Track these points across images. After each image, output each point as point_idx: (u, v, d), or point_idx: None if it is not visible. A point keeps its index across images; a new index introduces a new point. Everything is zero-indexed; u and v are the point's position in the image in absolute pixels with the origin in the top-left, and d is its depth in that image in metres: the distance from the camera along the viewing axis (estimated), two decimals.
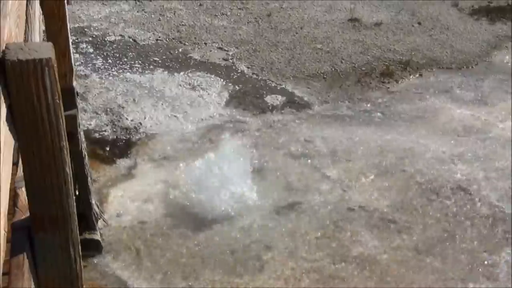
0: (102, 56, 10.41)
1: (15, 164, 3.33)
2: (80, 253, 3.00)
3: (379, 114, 9.15)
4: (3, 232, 2.31)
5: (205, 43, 10.94)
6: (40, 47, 2.52)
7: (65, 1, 5.69)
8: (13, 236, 2.85)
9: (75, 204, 2.90)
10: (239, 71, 10.15)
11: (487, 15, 12.25)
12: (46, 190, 2.70)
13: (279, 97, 9.49)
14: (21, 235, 2.81)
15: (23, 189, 2.88)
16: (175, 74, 9.97)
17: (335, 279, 6.44)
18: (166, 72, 10.02)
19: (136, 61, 10.29)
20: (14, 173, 3.32)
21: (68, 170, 2.71)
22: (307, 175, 7.82)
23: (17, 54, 2.44)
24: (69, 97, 5.72)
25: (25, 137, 2.57)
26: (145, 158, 8.05)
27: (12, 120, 2.53)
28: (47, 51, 2.50)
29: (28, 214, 2.86)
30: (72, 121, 5.73)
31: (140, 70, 10.04)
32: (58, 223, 2.79)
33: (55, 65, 2.51)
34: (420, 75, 10.28)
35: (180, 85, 9.66)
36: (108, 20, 11.58)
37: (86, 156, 6.56)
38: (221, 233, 6.91)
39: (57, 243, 2.83)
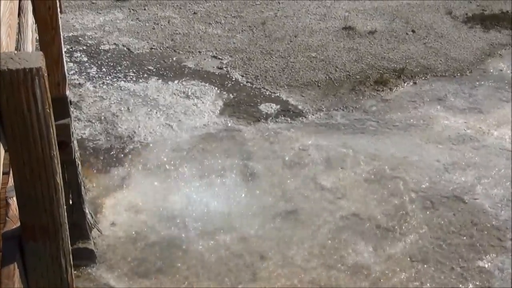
0: (96, 65, 10.42)
1: (6, 173, 3.33)
2: (72, 263, 2.99)
3: (373, 122, 9.17)
4: None
5: (199, 52, 10.96)
6: (31, 56, 2.52)
7: (59, 10, 5.70)
8: (3, 245, 2.84)
9: (67, 213, 2.89)
10: (233, 79, 10.17)
11: (481, 23, 12.31)
12: (37, 199, 2.69)
13: (274, 105, 9.50)
14: (12, 245, 2.80)
15: (14, 198, 2.88)
16: (169, 82, 9.98)
17: None
18: (160, 80, 10.03)
19: (130, 70, 10.30)
20: (5, 183, 3.32)
21: (59, 179, 2.70)
22: (301, 183, 7.82)
23: (7, 63, 2.45)
24: (62, 106, 5.73)
25: (15, 147, 2.57)
26: (139, 167, 8.05)
27: (2, 129, 2.53)
28: (38, 60, 2.50)
29: (19, 223, 2.86)
30: (65, 130, 5.73)
31: (134, 78, 10.05)
32: (49, 232, 2.79)
33: (46, 74, 2.51)
34: (414, 83, 10.31)
35: (174, 94, 9.66)
36: (103, 29, 11.59)
37: (80, 165, 6.55)
38: (215, 243, 6.90)
39: (48, 252, 2.82)
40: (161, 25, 11.77)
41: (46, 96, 2.52)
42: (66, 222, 2.89)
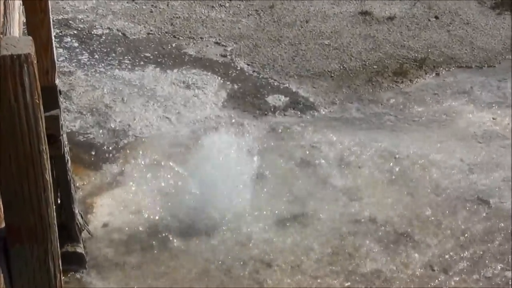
0: (88, 51, 10.42)
1: None
2: (61, 267, 3.00)
3: (391, 117, 9.16)
4: None
5: (201, 38, 10.95)
6: (19, 41, 2.52)
7: None
8: None
9: (55, 213, 2.90)
10: (238, 68, 10.16)
11: (510, 9, 12.26)
12: (24, 198, 2.70)
13: (282, 97, 9.50)
14: None
15: None
16: (168, 71, 9.97)
17: None
18: (158, 69, 10.02)
19: (126, 57, 10.30)
20: None
21: (48, 176, 2.71)
22: (312, 183, 7.82)
23: None
24: (51, 96, 5.73)
25: (1, 140, 2.57)
26: (134, 164, 8.05)
27: None
28: (26, 46, 2.51)
29: (3, 224, 2.86)
30: (54, 123, 5.73)
31: (129, 66, 10.04)
32: (36, 234, 2.79)
33: (35, 61, 2.52)
34: (437, 74, 10.29)
35: (173, 84, 9.66)
36: (95, 11, 11.59)
37: (69, 161, 6.56)
38: (217, 248, 6.90)
39: (35, 256, 2.83)
40: (160, 8, 11.77)
41: (35, 85, 2.52)
42: (55, 223, 2.89)
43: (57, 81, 5.94)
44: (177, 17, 11.51)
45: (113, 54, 10.36)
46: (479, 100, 9.63)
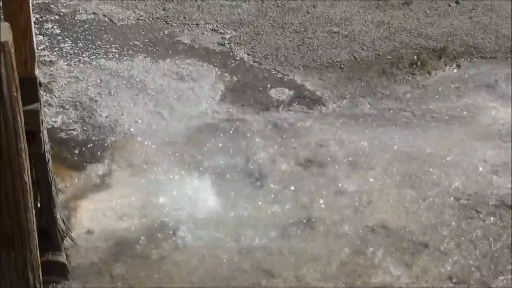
0: (71, 38, 10.42)
1: None
2: (41, 278, 3.01)
3: (407, 113, 9.17)
4: None
5: (197, 24, 10.96)
6: None
7: None
8: None
9: (35, 219, 2.90)
10: (237, 58, 10.17)
11: None
12: (0, 202, 2.70)
13: (286, 90, 9.50)
14: None
15: None
16: (160, 61, 9.98)
17: None
18: (149, 58, 10.03)
19: (113, 45, 10.30)
20: None
21: (27, 177, 2.72)
22: (319, 186, 7.82)
23: None
24: (30, 88, 5.72)
25: None
26: (122, 164, 8.06)
27: None
28: (3, 33, 2.51)
29: None
30: (34, 118, 5.72)
31: (117, 56, 10.05)
32: (14, 242, 2.79)
33: (13, 50, 2.52)
34: (458, 65, 10.29)
35: (166, 75, 9.67)
36: None
37: (50, 161, 6.56)
38: (213, 257, 6.90)
39: (12, 266, 2.83)
40: None
41: (12, 76, 2.53)
42: (35, 229, 2.89)
43: (37, 72, 5.93)
44: (170, 1, 11.52)
45: (99, 42, 10.37)
46: (505, 95, 9.64)
